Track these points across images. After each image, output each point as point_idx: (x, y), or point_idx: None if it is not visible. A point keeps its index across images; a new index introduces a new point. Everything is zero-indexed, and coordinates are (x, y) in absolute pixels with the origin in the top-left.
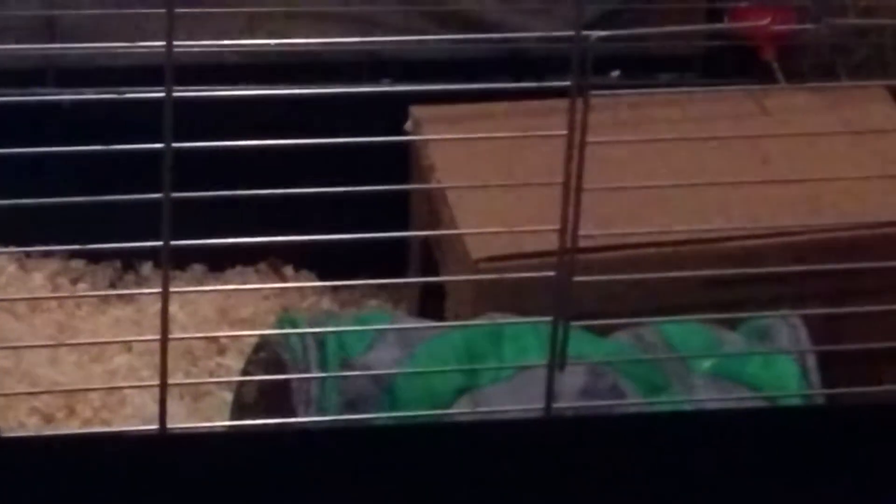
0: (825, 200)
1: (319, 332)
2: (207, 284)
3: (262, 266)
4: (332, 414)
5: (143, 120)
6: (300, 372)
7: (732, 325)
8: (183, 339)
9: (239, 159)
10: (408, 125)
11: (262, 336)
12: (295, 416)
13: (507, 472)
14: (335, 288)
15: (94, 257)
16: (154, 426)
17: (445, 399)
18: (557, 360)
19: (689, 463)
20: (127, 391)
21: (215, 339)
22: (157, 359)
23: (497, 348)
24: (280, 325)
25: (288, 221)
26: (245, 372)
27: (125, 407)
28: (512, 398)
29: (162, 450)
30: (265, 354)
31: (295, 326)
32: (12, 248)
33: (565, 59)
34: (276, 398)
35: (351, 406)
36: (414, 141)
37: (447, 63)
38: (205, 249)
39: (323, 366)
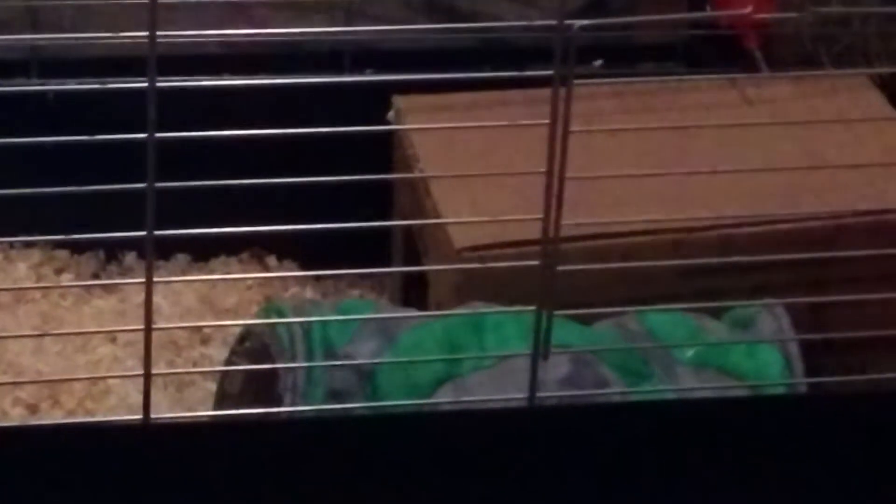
0: (808, 189)
1: (306, 322)
2: (191, 274)
3: (246, 256)
4: (316, 404)
5: (126, 110)
6: (288, 362)
7: (716, 314)
8: (167, 328)
9: (222, 149)
10: (390, 115)
11: (246, 326)
12: (280, 406)
13: (491, 462)
14: (318, 277)
15: (78, 248)
16: (138, 416)
17: (427, 389)
18: (541, 349)
19: (672, 451)
20: (111, 381)
21: (199, 328)
22: (141, 349)
23: (479, 337)
24: (266, 314)
25: (271, 211)
26: (229, 362)
27: (109, 397)
28: (494, 387)
29: (146, 439)
30: (250, 344)
31: (281, 316)
32: None
33: (548, 49)
34: (261, 388)
35: (334, 396)
36: (396, 130)
37: (430, 52)
38: (188, 239)
39: (309, 356)
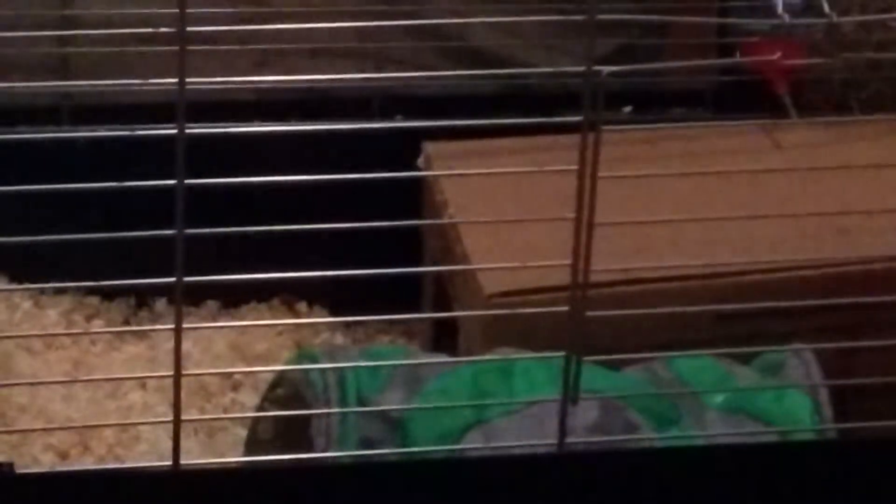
0: (837, 234)
1: (339, 370)
2: (221, 320)
3: (276, 302)
4: (349, 452)
5: (156, 156)
6: (321, 408)
7: (745, 359)
8: (197, 375)
9: (252, 195)
10: (420, 161)
11: (279, 373)
12: (312, 451)
13: None
14: (348, 324)
15: (109, 294)
16: (168, 462)
17: (456, 435)
18: (570, 395)
19: (701, 498)
20: (141, 427)
21: (229, 375)
22: (171, 395)
23: (507, 383)
24: (298, 360)
25: (301, 258)
26: (261, 409)
27: (139, 443)
28: (522, 432)
29: (176, 486)
30: (282, 391)
31: (314, 362)
32: (27, 285)
33: (577, 95)
34: (293, 434)
35: (366, 444)
36: (426, 176)
37: (459, 99)
38: (218, 286)
39: (343, 404)
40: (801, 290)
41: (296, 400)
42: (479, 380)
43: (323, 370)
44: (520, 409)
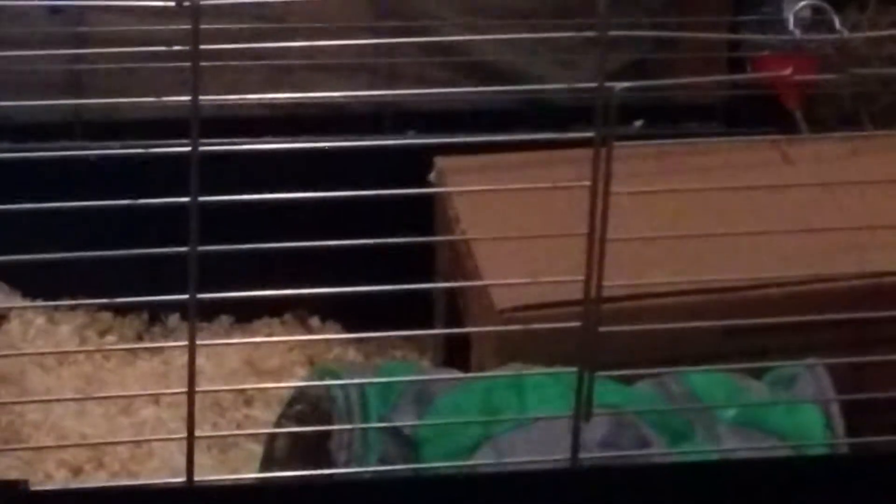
0: (848, 249)
1: (361, 389)
2: (234, 336)
3: (289, 317)
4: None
5: (169, 173)
6: (344, 424)
7: (757, 374)
8: (210, 391)
9: (264, 212)
10: (432, 176)
11: (298, 389)
12: (332, 465)
13: None
14: (360, 339)
15: (122, 310)
16: (181, 478)
17: (468, 452)
18: (583, 410)
19: None
20: (154, 443)
21: (242, 390)
22: (184, 411)
23: (519, 399)
24: (319, 376)
25: (314, 273)
26: (279, 425)
27: (153, 459)
28: (533, 446)
29: (190, 502)
30: (301, 407)
31: (336, 378)
32: (40, 302)
33: (589, 110)
34: (311, 451)
35: (382, 463)
36: (438, 192)
37: (471, 114)
38: (231, 301)
39: (365, 421)
40: (812, 304)
41: (315, 416)
42: (491, 395)
43: (344, 387)
44: (531, 424)
